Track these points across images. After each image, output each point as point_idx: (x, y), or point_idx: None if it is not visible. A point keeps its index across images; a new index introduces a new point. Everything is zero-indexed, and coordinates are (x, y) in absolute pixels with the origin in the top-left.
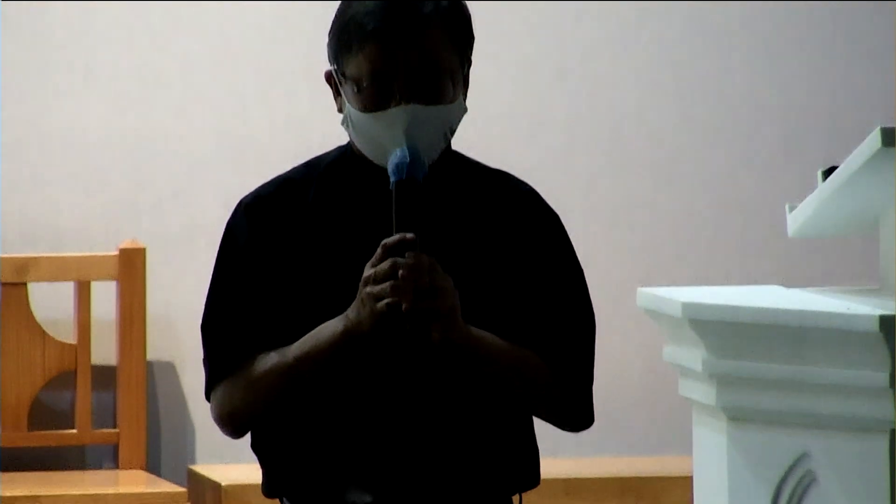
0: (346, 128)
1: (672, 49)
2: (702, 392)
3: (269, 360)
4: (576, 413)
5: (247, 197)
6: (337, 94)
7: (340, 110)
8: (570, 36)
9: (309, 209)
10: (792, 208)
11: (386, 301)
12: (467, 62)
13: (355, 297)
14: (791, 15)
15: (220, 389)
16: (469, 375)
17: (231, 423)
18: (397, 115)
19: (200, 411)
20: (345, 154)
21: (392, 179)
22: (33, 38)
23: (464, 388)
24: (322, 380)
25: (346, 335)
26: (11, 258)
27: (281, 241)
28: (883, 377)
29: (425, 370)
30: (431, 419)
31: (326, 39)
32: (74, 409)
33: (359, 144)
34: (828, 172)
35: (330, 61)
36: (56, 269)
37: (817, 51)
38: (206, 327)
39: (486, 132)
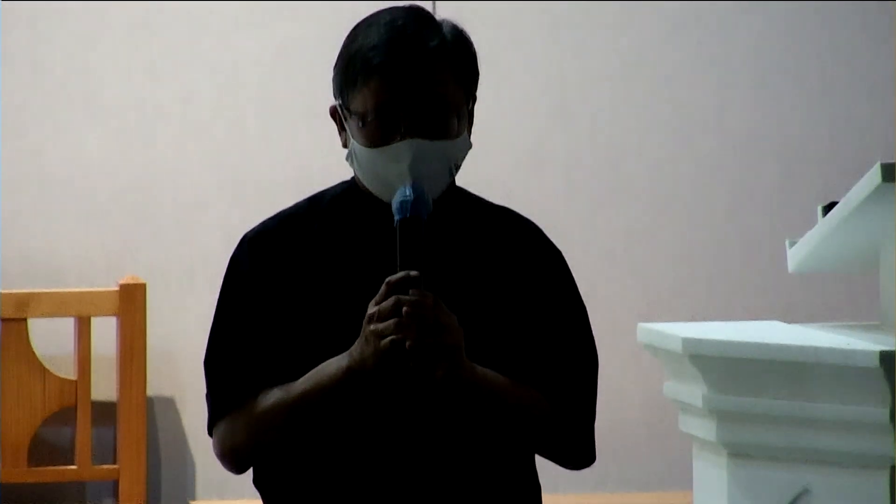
0: (351, 163)
1: (671, 85)
2: (702, 427)
3: (273, 396)
4: (577, 451)
5: (250, 232)
6: (341, 129)
7: (345, 145)
8: (570, 72)
9: (312, 245)
10: (792, 244)
11: (390, 338)
12: (472, 98)
13: (359, 333)
14: (790, 50)
15: (222, 425)
16: (472, 412)
17: (233, 459)
18: (401, 150)
19: (201, 447)
20: (349, 189)
21: (396, 217)
22: (33, 74)
23: (466, 425)
24: (325, 417)
25: (350, 373)
26: (12, 293)
27: (284, 276)
28: (883, 413)
29: (429, 407)
30: (434, 455)
31: (328, 75)
32: (74, 444)
33: (363, 180)
34: (828, 208)
35: (335, 96)
36: (56, 305)
37: (816, 86)
38: (208, 362)
39: (486, 167)
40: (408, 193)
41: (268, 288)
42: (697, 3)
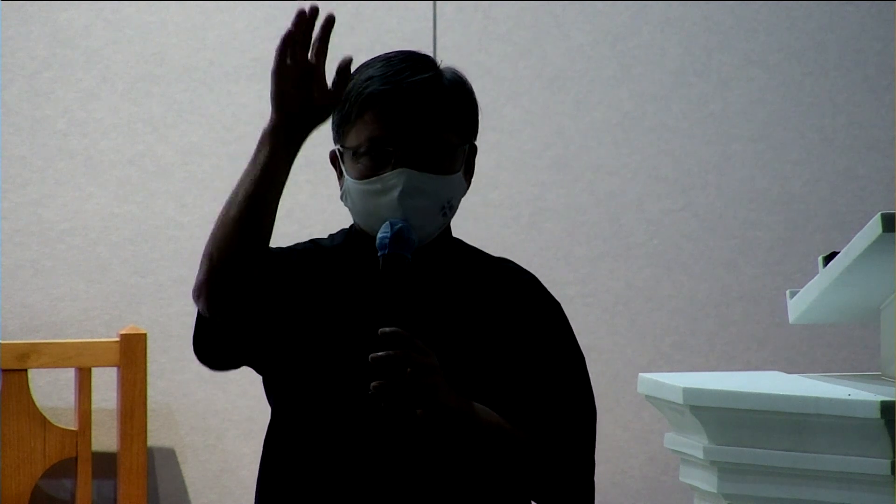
0: (345, 202)
1: (672, 138)
2: (703, 479)
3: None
4: (577, 500)
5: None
6: (340, 174)
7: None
8: (570, 126)
9: (311, 283)
10: (793, 294)
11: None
12: (469, 141)
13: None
14: (790, 102)
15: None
16: (463, 446)
17: (200, 292)
18: (390, 180)
19: (202, 498)
20: (346, 237)
21: (379, 254)
22: (34, 127)
23: (457, 467)
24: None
25: (266, 135)
26: (12, 344)
27: (296, 279)
28: (884, 465)
29: (409, 448)
30: (423, 499)
31: (327, 131)
32: (75, 496)
33: (356, 218)
34: (829, 258)
35: (334, 140)
36: (57, 356)
37: (816, 139)
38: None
39: (486, 221)
40: (389, 228)
41: (288, 266)
42: (697, 57)
